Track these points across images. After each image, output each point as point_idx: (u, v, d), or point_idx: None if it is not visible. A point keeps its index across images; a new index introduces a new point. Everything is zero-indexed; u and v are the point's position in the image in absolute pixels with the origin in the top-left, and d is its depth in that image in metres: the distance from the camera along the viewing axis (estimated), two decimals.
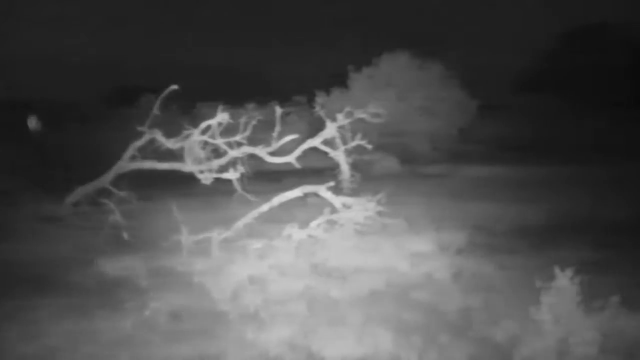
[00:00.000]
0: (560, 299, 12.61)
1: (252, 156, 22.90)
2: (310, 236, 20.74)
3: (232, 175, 22.19)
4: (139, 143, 23.46)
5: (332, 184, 22.03)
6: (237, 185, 22.21)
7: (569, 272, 12.71)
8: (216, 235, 20.68)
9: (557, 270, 12.80)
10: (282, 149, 22.85)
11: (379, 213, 21.27)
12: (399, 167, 38.96)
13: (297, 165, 22.69)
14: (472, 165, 40.63)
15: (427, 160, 41.34)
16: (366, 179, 23.87)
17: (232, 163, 22.47)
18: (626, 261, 17.63)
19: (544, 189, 31.51)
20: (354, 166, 22.94)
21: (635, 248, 19.03)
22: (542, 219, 25.17)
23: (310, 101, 31.89)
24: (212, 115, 22.78)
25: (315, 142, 22.83)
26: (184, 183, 24.21)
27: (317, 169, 24.87)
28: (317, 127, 23.91)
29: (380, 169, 36.05)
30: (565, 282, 12.68)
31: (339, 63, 45.89)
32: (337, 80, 43.63)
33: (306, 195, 22.60)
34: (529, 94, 50.14)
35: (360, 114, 22.73)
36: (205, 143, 22.91)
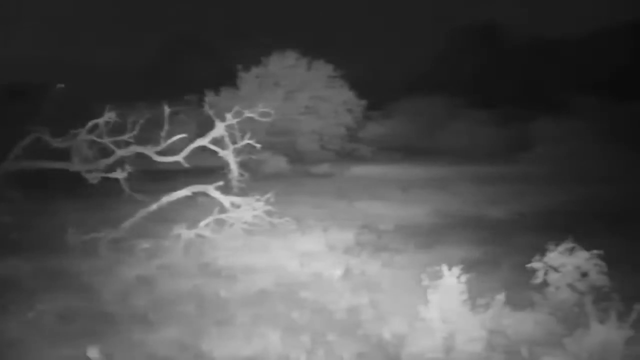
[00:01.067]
0: (447, 297, 12.67)
1: (141, 155, 22.52)
2: (199, 236, 20.56)
3: (119, 174, 21.78)
4: (25, 142, 22.82)
5: (221, 183, 21.84)
6: (124, 185, 21.81)
7: (455, 271, 12.78)
8: (104, 235, 20.35)
9: (444, 269, 12.85)
10: (171, 148, 22.53)
11: (268, 212, 21.17)
12: (287, 166, 38.88)
13: (186, 165, 22.38)
14: (360, 164, 40.85)
15: (315, 160, 41.35)
16: (255, 178, 23.77)
17: (120, 162, 22.05)
18: (510, 260, 17.83)
19: (430, 189, 31.83)
20: (243, 165, 22.76)
21: (519, 247, 19.28)
22: (429, 217, 25.41)
23: (200, 100, 31.52)
24: (100, 114, 22.28)
25: (204, 141, 22.59)
26: (72, 183, 23.66)
27: (207, 169, 24.64)
28: (206, 126, 23.64)
29: (269, 168, 35.90)
30: (452, 280, 12.74)
31: (230, 62, 45.57)
32: (227, 79, 43.32)
33: (195, 194, 22.37)
34: (418, 95, 50.51)
35: (249, 114, 22.56)
36: (93, 142, 22.42)
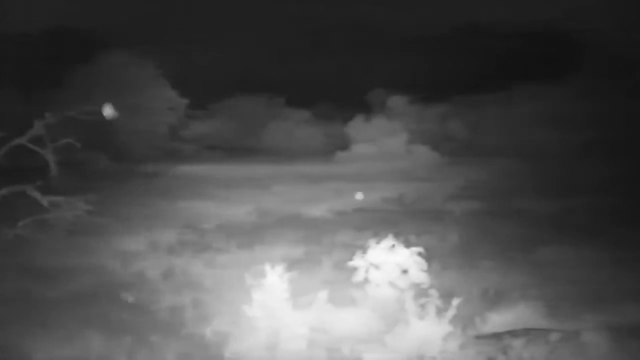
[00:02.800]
0: (270, 296, 12.52)
1: None
2: (17, 236, 19.76)
3: None
4: None
5: (40, 182, 21.04)
6: None
7: (278, 269, 12.64)
8: None
9: (266, 268, 12.69)
10: None
11: (90, 212, 20.54)
12: (111, 165, 38.03)
13: (2, 163, 21.46)
14: (184, 163, 40.30)
15: (139, 159, 40.60)
16: (76, 177, 23.08)
17: None
18: (332, 258, 17.82)
19: (253, 188, 31.63)
20: (64, 164, 22.00)
21: (340, 245, 19.34)
22: (251, 216, 25.19)
23: (24, 98, 30.36)
24: None
25: (23, 140, 21.69)
26: None
27: (26, 168, 23.73)
28: (27, 124, 22.73)
29: (91, 167, 35.00)
30: (274, 279, 12.61)
31: (54, 60, 44.25)
32: (52, 76, 42.00)
33: (14, 194, 21.49)
34: (240, 94, 50.19)
35: (69, 112, 21.81)
36: None
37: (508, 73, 48.40)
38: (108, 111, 12.34)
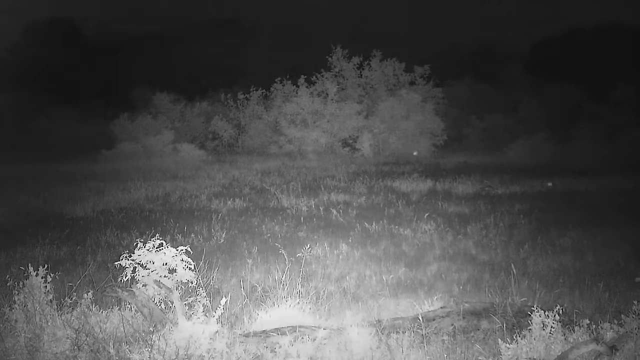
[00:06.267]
0: (32, 298, 11.91)
1: None
2: None
3: None
4: None
5: None
6: None
7: (41, 270, 12.05)
8: None
9: (29, 268, 12.09)
10: None
11: None
12: None
13: None
14: None
15: None
16: None
17: None
18: (97, 258, 17.21)
19: (14, 187, 30.51)
20: None
21: (105, 244, 18.77)
22: (12, 217, 24.16)
23: None
24: None
25: None
26: None
27: None
28: None
29: None
30: (37, 280, 12.00)
31: None
32: None
33: None
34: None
35: None
36: None
37: (269, 73, 49.41)
38: None
